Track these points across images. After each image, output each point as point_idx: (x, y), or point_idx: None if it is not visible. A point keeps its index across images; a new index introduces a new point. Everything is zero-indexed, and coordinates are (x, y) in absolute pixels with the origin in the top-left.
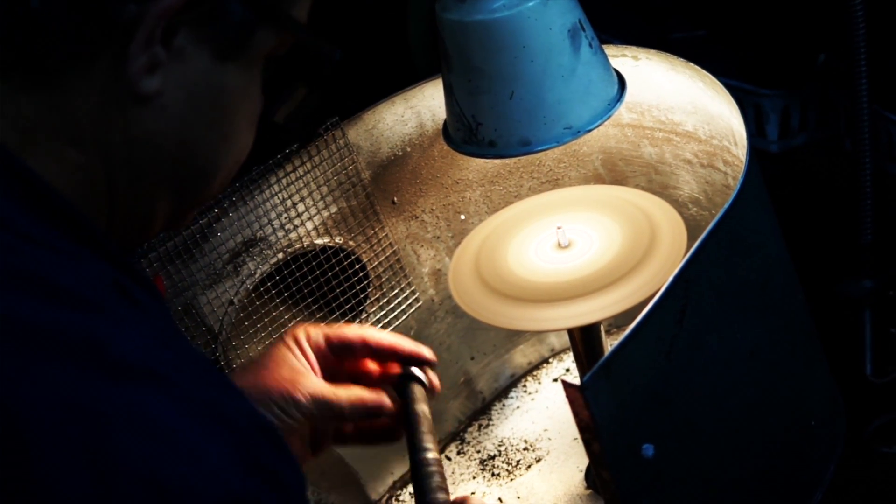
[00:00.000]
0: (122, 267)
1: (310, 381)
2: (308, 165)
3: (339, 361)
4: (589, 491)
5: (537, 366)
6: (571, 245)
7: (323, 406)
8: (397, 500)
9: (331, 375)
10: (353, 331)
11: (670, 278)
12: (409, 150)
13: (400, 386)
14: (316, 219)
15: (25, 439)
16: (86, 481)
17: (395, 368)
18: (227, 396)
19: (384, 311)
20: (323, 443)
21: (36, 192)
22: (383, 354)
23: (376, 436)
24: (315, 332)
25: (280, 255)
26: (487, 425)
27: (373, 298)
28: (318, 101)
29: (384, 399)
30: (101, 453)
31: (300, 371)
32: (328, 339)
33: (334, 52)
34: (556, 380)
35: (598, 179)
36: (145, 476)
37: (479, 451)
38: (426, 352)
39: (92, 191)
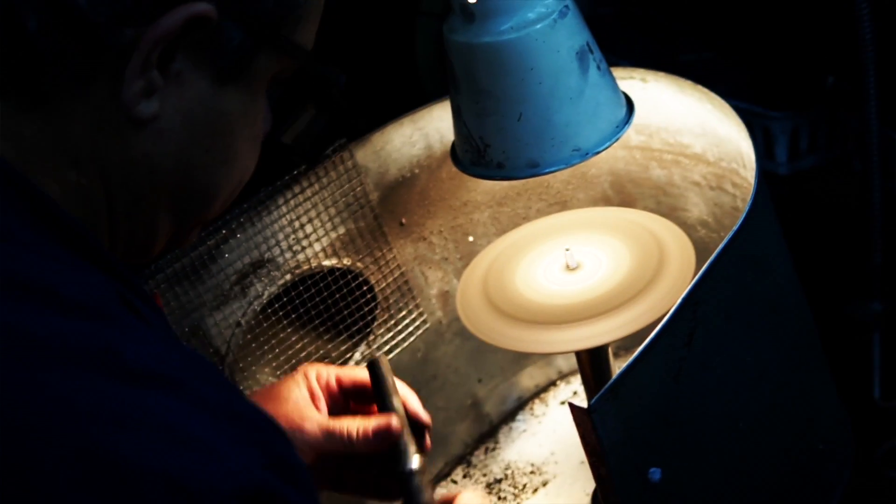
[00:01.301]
0: (123, 281)
1: (316, 415)
2: (316, 187)
3: (347, 402)
4: None
5: (545, 388)
6: (580, 267)
7: (330, 436)
8: None
9: (337, 415)
10: (364, 374)
11: (679, 301)
12: (417, 171)
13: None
14: (324, 240)
15: (39, 449)
16: (104, 487)
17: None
18: (238, 397)
19: (392, 333)
20: (321, 486)
21: (40, 209)
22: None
23: (374, 488)
24: (325, 372)
25: (287, 277)
26: (494, 448)
27: (380, 320)
28: (325, 123)
29: (391, 421)
30: (119, 459)
31: (306, 406)
32: (339, 381)
33: (339, 76)
34: (563, 402)
35: (607, 201)
36: (166, 477)
37: (485, 475)
38: (424, 415)
39: (92, 211)
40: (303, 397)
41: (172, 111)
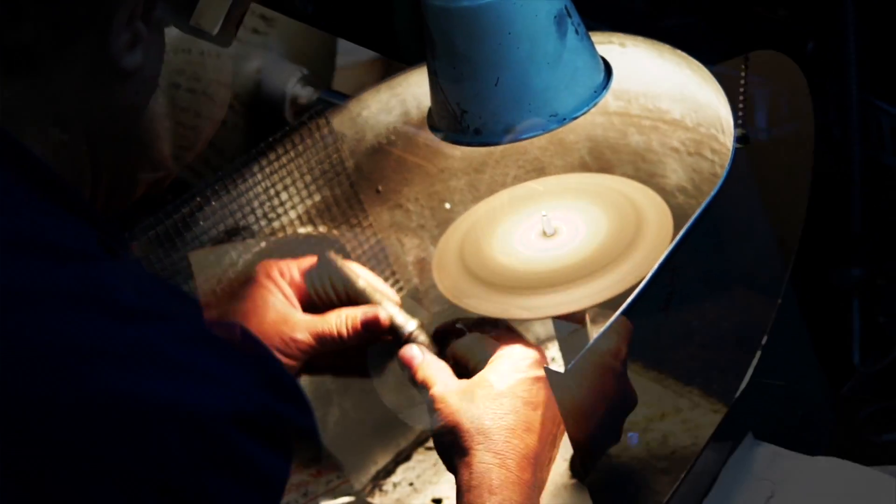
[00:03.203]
0: (102, 229)
1: (302, 319)
2: (292, 154)
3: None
4: (573, 480)
5: None
6: (557, 233)
7: (321, 338)
8: (380, 490)
9: (307, 307)
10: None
11: (656, 266)
12: (393, 138)
13: None
14: (299, 207)
15: (48, 389)
16: (113, 422)
17: None
18: (225, 325)
19: None
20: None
21: (26, 164)
22: None
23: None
24: (286, 268)
25: (263, 245)
26: None
27: None
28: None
29: (378, 313)
30: (124, 393)
31: (288, 312)
32: (302, 273)
33: None
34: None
35: (585, 168)
36: (170, 407)
37: None
38: (391, 292)
39: (75, 166)
40: (281, 302)
41: (155, 59)
